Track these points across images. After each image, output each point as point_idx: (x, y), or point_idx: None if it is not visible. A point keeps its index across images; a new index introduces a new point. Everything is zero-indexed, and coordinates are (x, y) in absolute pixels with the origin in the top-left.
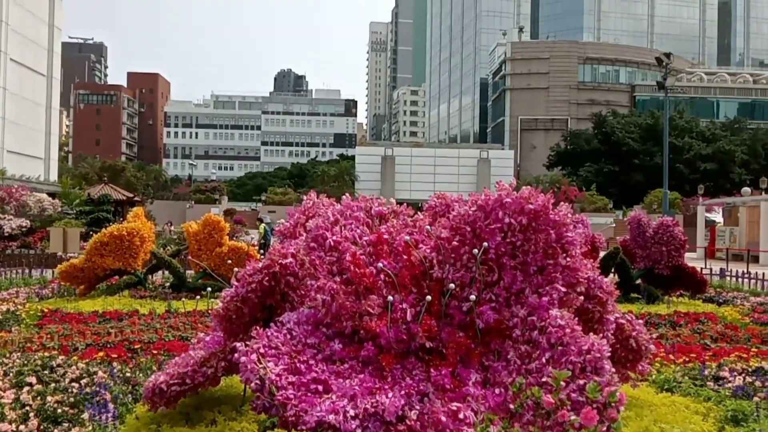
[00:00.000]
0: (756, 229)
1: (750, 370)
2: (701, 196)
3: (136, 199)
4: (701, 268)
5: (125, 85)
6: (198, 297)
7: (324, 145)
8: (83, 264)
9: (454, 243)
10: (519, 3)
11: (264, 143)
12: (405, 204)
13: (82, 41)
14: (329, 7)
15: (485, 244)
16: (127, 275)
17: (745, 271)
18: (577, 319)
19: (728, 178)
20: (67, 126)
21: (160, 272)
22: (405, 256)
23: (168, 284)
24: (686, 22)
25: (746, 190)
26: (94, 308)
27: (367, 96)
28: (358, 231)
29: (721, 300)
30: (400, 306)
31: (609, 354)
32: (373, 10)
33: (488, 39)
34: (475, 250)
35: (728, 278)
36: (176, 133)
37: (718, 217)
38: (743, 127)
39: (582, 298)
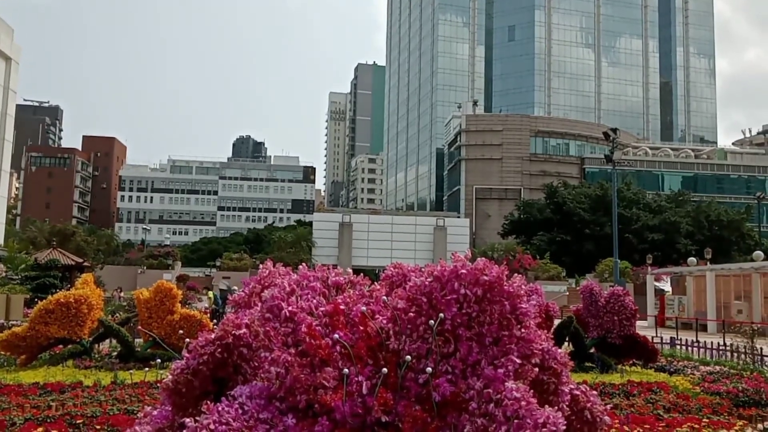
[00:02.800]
0: (703, 298)
1: None
2: (650, 265)
3: (85, 264)
4: (652, 337)
5: (80, 148)
6: (147, 368)
7: (281, 211)
8: (26, 333)
9: (411, 314)
10: (473, 78)
11: (220, 208)
12: (362, 272)
13: (37, 104)
14: (290, 76)
15: (441, 314)
16: (72, 344)
17: (695, 340)
18: (532, 391)
19: (675, 248)
20: (16, 189)
21: (107, 341)
22: (361, 327)
23: (115, 354)
24: (631, 99)
25: (692, 260)
26: (35, 379)
27: (325, 163)
28: (315, 301)
29: (672, 369)
30: (356, 378)
31: (564, 427)
32: (332, 81)
33: (444, 111)
34: (432, 321)
35: (678, 347)
36: (131, 197)
37: (666, 286)
38: (687, 199)
39: (537, 369)
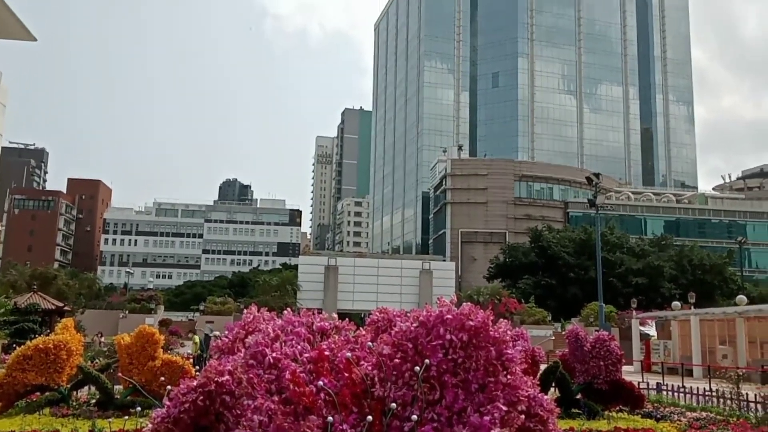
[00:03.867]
0: (688, 343)
1: None
2: (635, 309)
3: (66, 308)
4: (638, 382)
5: (65, 191)
6: (126, 416)
7: (267, 254)
8: (3, 379)
9: (396, 360)
10: (458, 123)
11: (205, 251)
12: (347, 316)
13: (22, 146)
14: (277, 120)
15: (427, 361)
16: (49, 391)
17: (681, 385)
18: None
19: (659, 292)
20: None
21: (86, 388)
22: (346, 374)
23: (94, 401)
24: (612, 145)
25: (676, 304)
26: (11, 428)
27: (311, 206)
28: (299, 347)
29: (659, 415)
30: (341, 427)
31: None
32: (319, 126)
33: (429, 155)
34: (417, 368)
35: (665, 393)
36: (114, 240)
37: (651, 330)
38: (670, 243)
39: (523, 416)
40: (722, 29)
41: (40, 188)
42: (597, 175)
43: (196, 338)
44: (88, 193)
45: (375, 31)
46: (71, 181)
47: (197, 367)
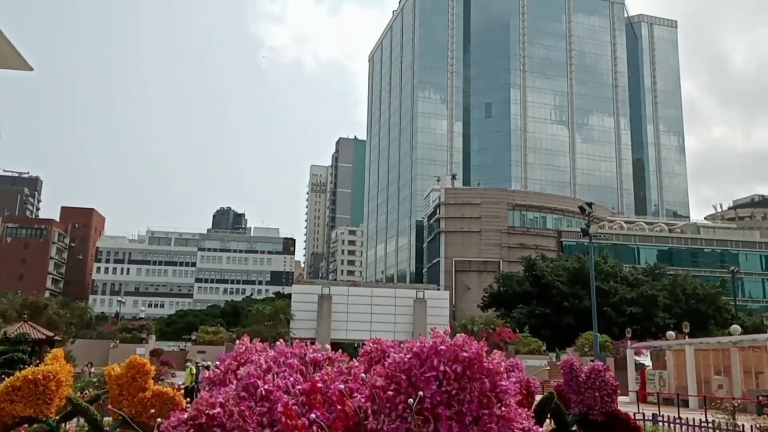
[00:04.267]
0: (683, 373)
1: None
2: (629, 339)
3: (56, 338)
4: (634, 413)
5: (58, 219)
6: None
7: (260, 283)
8: None
9: (390, 392)
10: (452, 152)
11: (198, 280)
12: (341, 346)
13: (16, 174)
14: (271, 149)
15: (421, 393)
16: (38, 423)
17: (677, 416)
18: None
19: (653, 322)
20: None
21: (74, 420)
22: (339, 406)
23: None
24: (605, 175)
25: (671, 334)
26: None
27: (305, 235)
28: (292, 379)
29: None
30: None
31: None
32: (314, 154)
33: (423, 184)
34: (411, 400)
35: (661, 424)
36: (107, 269)
37: (646, 360)
38: (663, 272)
39: None
40: (711, 61)
41: (33, 216)
42: (590, 204)
43: (193, 368)
44: (81, 222)
45: (369, 62)
46: (64, 210)
47: (189, 399)
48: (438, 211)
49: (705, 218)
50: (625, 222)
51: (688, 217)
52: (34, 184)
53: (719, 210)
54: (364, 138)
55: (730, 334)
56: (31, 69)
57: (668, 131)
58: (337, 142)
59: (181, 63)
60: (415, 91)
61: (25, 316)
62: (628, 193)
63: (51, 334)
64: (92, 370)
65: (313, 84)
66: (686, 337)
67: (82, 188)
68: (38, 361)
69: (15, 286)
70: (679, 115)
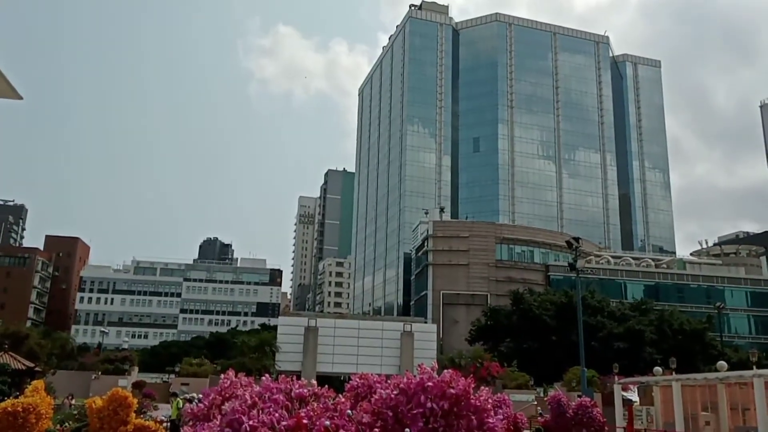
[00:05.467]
0: (670, 409)
1: None
2: (617, 374)
3: (36, 369)
4: None
5: (42, 248)
6: None
7: (246, 314)
8: None
9: (376, 429)
10: (440, 185)
11: (183, 311)
12: (327, 379)
13: (1, 203)
14: (259, 180)
15: (407, 430)
16: None
17: None
18: None
19: (640, 357)
20: None
21: None
22: None
23: None
24: (591, 209)
25: (658, 369)
26: None
27: (292, 266)
28: (277, 415)
29: None
30: None
31: None
32: (302, 186)
33: (411, 216)
34: None
35: None
36: (90, 299)
37: (634, 396)
38: (650, 308)
39: None
40: (694, 100)
41: (17, 245)
42: (577, 239)
43: (179, 402)
44: (65, 251)
45: (359, 96)
46: (49, 238)
47: None
48: (426, 244)
49: (691, 254)
50: (612, 257)
51: (674, 252)
52: (19, 212)
53: (705, 246)
54: (353, 170)
55: (716, 370)
56: (21, 98)
57: (653, 167)
58: (326, 174)
59: (170, 95)
60: (404, 124)
61: (6, 346)
62: (614, 228)
63: (32, 364)
64: (72, 402)
65: (303, 116)
66: (673, 372)
67: (68, 217)
68: (18, 393)
69: None
70: (664, 152)
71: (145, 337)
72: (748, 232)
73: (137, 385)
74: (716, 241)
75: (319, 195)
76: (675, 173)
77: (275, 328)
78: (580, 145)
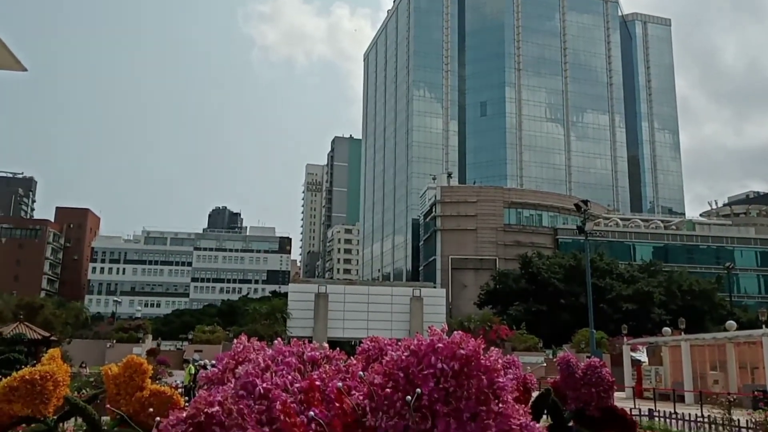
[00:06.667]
0: (679, 369)
1: None
2: (625, 335)
3: (52, 338)
4: (630, 409)
5: (53, 219)
6: None
7: (256, 282)
8: None
9: (388, 389)
10: (447, 151)
11: (194, 279)
12: (338, 344)
13: (10, 175)
14: (267, 148)
15: (418, 390)
16: (35, 423)
17: (672, 411)
18: None
19: (649, 318)
20: None
21: (72, 419)
22: (337, 404)
23: None
24: (600, 172)
25: (667, 330)
26: None
27: (301, 234)
28: (290, 377)
29: None
30: None
31: None
32: (309, 153)
33: (419, 182)
34: (409, 397)
35: (657, 419)
36: (102, 269)
37: (642, 356)
38: (659, 269)
39: None
40: (703, 59)
41: (28, 217)
42: (585, 201)
43: (192, 368)
44: (76, 222)
45: (364, 61)
46: (59, 210)
47: (187, 398)
48: (434, 210)
49: (700, 215)
50: (621, 219)
51: (683, 213)
52: (29, 184)
53: (714, 207)
54: (360, 137)
55: (725, 330)
56: (25, 69)
57: (663, 128)
58: (333, 141)
59: (174, 63)
60: (410, 89)
61: (21, 317)
62: (623, 190)
63: (47, 334)
64: (86, 370)
65: (307, 83)
66: (682, 333)
67: (77, 188)
68: (35, 362)
69: (10, 287)
70: (674, 113)
71: (158, 305)
72: (758, 192)
73: (151, 353)
74: (726, 202)
75: (326, 162)
76: (684, 134)
77: (286, 295)
78: (588, 107)
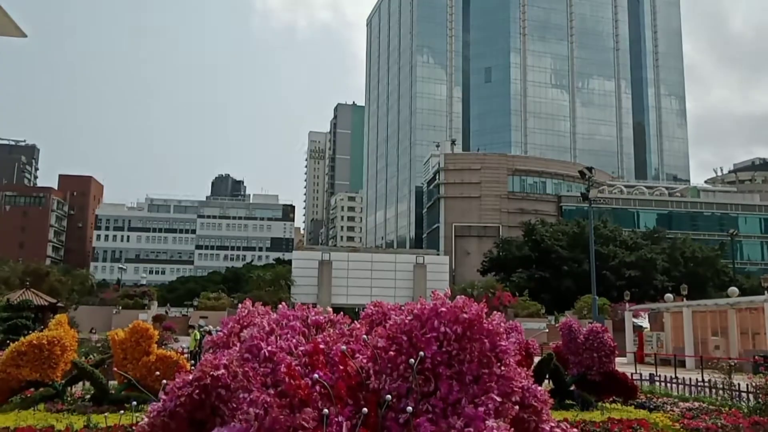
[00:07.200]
0: (680, 335)
1: None
2: (627, 302)
3: (59, 304)
4: (631, 374)
5: (56, 187)
6: (122, 411)
7: (260, 249)
8: None
9: (391, 352)
10: (451, 118)
11: (198, 247)
12: (342, 311)
13: (13, 143)
14: (269, 116)
15: (422, 353)
16: (44, 387)
17: (673, 376)
18: (513, 429)
19: (652, 285)
20: None
21: (80, 383)
22: (341, 367)
23: (88, 396)
24: (605, 139)
25: (669, 296)
26: (5, 424)
27: (305, 201)
28: (294, 341)
29: (652, 406)
30: (336, 419)
31: None
32: (312, 121)
33: (422, 150)
34: (412, 360)
35: (657, 384)
36: (107, 236)
37: (644, 322)
38: (662, 236)
39: (517, 407)
40: (711, 24)
41: (31, 185)
42: (590, 169)
43: (197, 334)
44: (79, 190)
45: (367, 27)
46: (62, 178)
47: (192, 362)
48: (437, 177)
49: (705, 182)
50: (625, 186)
51: (688, 180)
52: (31, 152)
53: (719, 173)
54: (363, 104)
55: (728, 296)
56: (25, 35)
57: (669, 94)
58: (336, 108)
59: (175, 29)
60: (413, 55)
61: (27, 283)
62: (628, 157)
63: (54, 300)
64: (95, 336)
65: (308, 50)
66: (684, 299)
67: (79, 156)
68: (42, 327)
69: (16, 254)
70: (681, 79)
71: (163, 273)
72: (763, 159)
73: (157, 319)
74: (731, 169)
75: (329, 130)
76: (690, 100)
77: (290, 262)
78: (594, 73)
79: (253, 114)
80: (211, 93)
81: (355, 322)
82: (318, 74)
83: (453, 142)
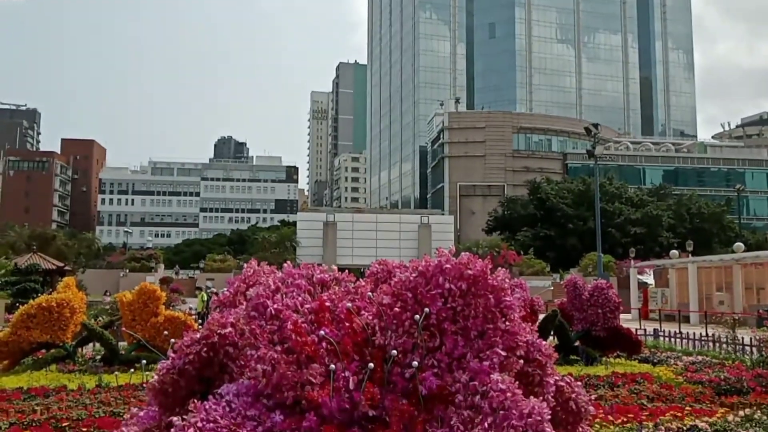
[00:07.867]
0: (685, 291)
1: (685, 428)
2: (633, 259)
3: (66, 268)
4: (636, 329)
5: (59, 151)
6: (132, 370)
7: (265, 211)
8: (8, 338)
9: (396, 309)
10: (455, 75)
11: (203, 209)
12: (347, 270)
13: (14, 107)
14: (271, 76)
15: (426, 309)
16: (55, 348)
17: (677, 331)
18: (517, 382)
19: (657, 242)
20: None
21: (90, 345)
22: (347, 324)
23: (99, 357)
24: (611, 95)
25: (674, 253)
26: (18, 384)
27: (308, 163)
28: (300, 299)
29: (655, 360)
30: (343, 374)
31: (549, 417)
32: (314, 81)
33: (426, 109)
34: (417, 316)
35: (662, 338)
36: (111, 200)
37: (649, 279)
38: (668, 192)
39: (522, 361)
40: None
41: (34, 149)
42: (596, 125)
43: (204, 295)
44: (82, 153)
45: None
46: (65, 142)
47: (200, 321)
48: (441, 136)
49: (712, 137)
50: (632, 143)
51: (695, 136)
52: (32, 116)
53: (727, 128)
54: (365, 63)
55: (733, 252)
56: None
57: (676, 48)
58: (338, 68)
59: None
60: (416, 11)
61: (34, 248)
62: (634, 113)
63: (61, 264)
64: (108, 298)
65: (312, 7)
66: (689, 255)
67: (81, 120)
68: (51, 290)
69: (21, 219)
70: (688, 31)
71: (168, 236)
72: None
73: (164, 281)
74: (739, 123)
75: (331, 90)
76: (697, 53)
77: (294, 224)
78: (600, 26)
79: (255, 75)
80: (212, 54)
81: (360, 280)
82: (320, 33)
83: (457, 101)
